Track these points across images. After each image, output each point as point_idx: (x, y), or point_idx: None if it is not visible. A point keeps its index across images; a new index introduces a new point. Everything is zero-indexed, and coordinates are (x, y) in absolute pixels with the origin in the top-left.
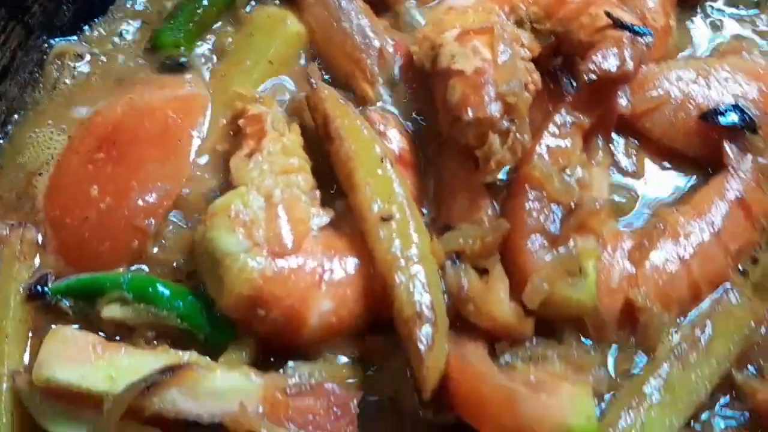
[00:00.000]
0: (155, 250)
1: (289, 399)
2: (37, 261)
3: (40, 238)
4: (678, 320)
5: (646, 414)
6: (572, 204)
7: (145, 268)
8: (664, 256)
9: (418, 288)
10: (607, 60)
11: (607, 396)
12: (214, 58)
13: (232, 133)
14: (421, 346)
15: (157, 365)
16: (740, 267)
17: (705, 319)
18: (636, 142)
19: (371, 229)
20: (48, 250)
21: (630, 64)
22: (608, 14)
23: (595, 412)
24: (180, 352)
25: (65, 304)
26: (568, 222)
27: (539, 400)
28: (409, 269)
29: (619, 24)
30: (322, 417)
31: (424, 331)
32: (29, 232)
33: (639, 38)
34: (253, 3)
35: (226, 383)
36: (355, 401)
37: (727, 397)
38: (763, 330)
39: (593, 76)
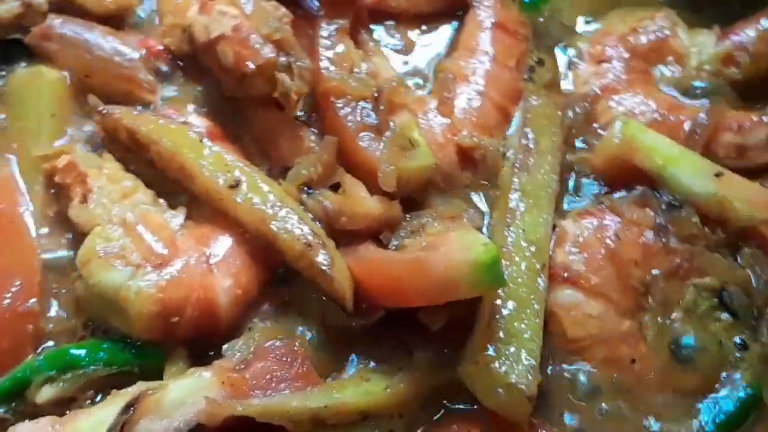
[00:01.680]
0: (50, 325)
1: (242, 373)
2: None
3: None
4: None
5: (522, 222)
6: (374, 94)
7: (50, 343)
8: (465, 97)
9: (294, 225)
10: None
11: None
12: None
13: (53, 191)
14: (325, 268)
15: (116, 410)
16: (526, 76)
17: (523, 128)
18: (392, 22)
19: (227, 200)
20: None
21: None
22: None
23: (485, 239)
24: (128, 389)
25: (1, 412)
26: (379, 110)
27: (439, 253)
28: (277, 215)
29: None
30: (278, 371)
31: (320, 255)
32: None
33: None
34: (3, 75)
35: (183, 390)
36: (297, 343)
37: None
38: (570, 114)
39: None
